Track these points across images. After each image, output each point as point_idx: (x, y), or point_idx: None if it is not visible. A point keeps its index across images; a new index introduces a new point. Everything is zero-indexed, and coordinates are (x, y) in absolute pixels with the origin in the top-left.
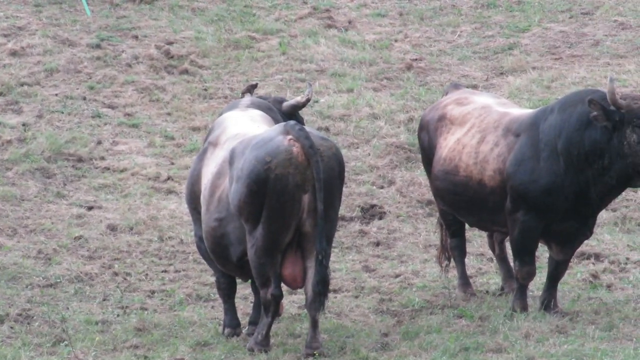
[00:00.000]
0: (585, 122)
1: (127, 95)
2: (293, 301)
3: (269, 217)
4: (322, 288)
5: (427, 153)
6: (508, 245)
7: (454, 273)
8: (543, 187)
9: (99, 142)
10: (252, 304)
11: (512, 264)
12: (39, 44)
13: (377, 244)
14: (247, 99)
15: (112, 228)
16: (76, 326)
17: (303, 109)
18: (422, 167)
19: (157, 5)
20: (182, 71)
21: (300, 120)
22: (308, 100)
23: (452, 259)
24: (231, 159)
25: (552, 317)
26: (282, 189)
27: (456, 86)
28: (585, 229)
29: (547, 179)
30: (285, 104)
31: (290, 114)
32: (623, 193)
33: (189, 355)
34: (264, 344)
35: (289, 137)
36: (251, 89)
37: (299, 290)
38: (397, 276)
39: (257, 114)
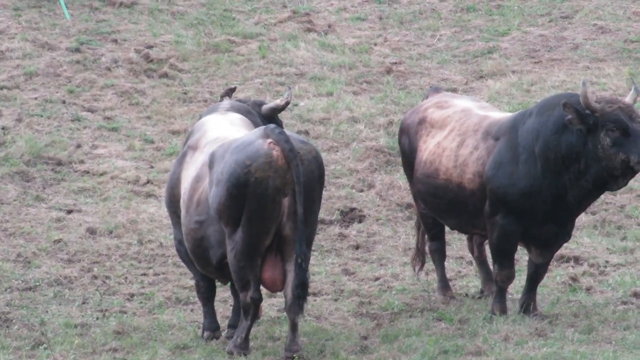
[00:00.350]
0: (562, 126)
1: (106, 99)
2: (272, 304)
3: (248, 220)
4: (302, 291)
5: (408, 156)
6: (487, 248)
7: (433, 276)
8: (521, 191)
9: (79, 146)
10: (231, 307)
11: (491, 267)
12: (18, 48)
13: (357, 247)
14: (227, 102)
15: (92, 231)
16: (55, 329)
17: (283, 113)
18: (402, 171)
19: (136, 9)
20: (162, 75)
21: (279, 124)
22: (287, 103)
23: (427, 262)
24: (211, 163)
25: (532, 320)
26: (262, 192)
27: (436, 90)
28: (564, 232)
29: (525, 183)
30: (264, 107)
31: (270, 117)
32: (602, 196)
33: (168, 358)
34: (244, 347)
35: (269, 140)
36: (230, 92)
37: (278, 293)
38: (376, 279)
39: (237, 117)
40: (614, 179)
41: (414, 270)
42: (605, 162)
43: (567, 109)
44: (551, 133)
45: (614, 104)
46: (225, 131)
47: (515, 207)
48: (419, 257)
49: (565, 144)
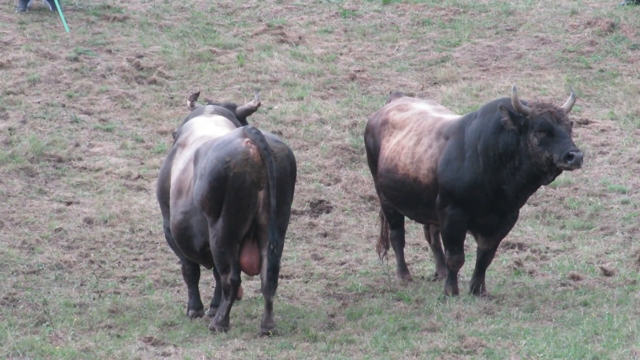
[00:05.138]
0: (501, 127)
1: (101, 103)
2: (250, 286)
3: (228, 210)
4: (273, 274)
5: (372, 154)
6: None
7: (393, 261)
8: (466, 185)
9: (77, 145)
10: (213, 289)
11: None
12: (23, 57)
13: (325, 235)
14: (211, 106)
15: (89, 221)
16: (56, 308)
17: (259, 115)
18: (365, 167)
19: (128, 22)
20: (151, 81)
21: (246, 124)
22: (259, 105)
23: (390, 249)
24: (195, 159)
25: (481, 300)
26: (239, 185)
27: (398, 94)
28: (505, 222)
29: (470, 177)
30: (239, 109)
31: (244, 118)
32: (543, 189)
33: (157, 334)
34: (224, 324)
35: (247, 139)
36: (195, 96)
37: (255, 276)
38: (342, 264)
39: (221, 119)
40: (544, 175)
41: (379, 255)
42: (534, 159)
43: (502, 111)
44: (491, 133)
45: (544, 108)
46: (210, 131)
47: (462, 199)
48: (384, 243)
49: (503, 143)
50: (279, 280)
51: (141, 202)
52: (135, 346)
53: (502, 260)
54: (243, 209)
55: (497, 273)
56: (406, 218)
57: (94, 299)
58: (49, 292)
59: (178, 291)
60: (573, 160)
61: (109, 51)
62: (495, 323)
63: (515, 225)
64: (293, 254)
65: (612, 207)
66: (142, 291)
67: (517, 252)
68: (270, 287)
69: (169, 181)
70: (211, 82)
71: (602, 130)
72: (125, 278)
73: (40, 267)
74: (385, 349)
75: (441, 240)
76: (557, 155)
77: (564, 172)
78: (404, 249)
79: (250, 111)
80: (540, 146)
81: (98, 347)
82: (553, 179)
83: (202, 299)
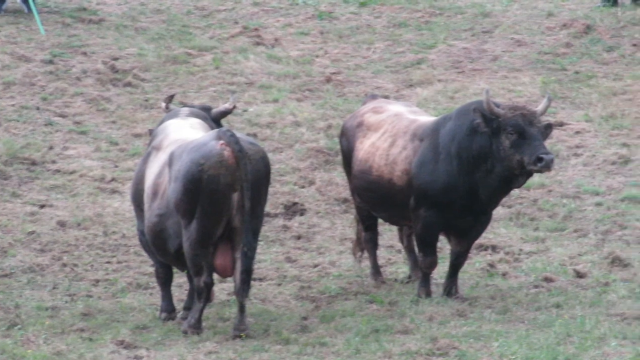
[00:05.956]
0: (474, 129)
1: (76, 106)
2: (223, 288)
3: (202, 213)
4: (246, 277)
5: (347, 156)
6: None
7: (366, 263)
8: (440, 187)
9: (51, 148)
10: (186, 291)
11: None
12: None
13: (299, 237)
14: (186, 108)
15: (62, 224)
16: (28, 312)
17: (234, 117)
18: (340, 169)
19: (104, 25)
20: (126, 84)
21: (221, 126)
22: (234, 107)
23: (365, 251)
24: (170, 161)
25: (453, 302)
26: (214, 188)
27: (373, 96)
28: (478, 224)
29: (444, 179)
30: (214, 111)
31: (219, 120)
32: (517, 191)
33: (130, 337)
34: (197, 327)
35: (221, 142)
36: (170, 98)
37: (228, 278)
38: (315, 266)
39: (196, 121)
40: (515, 178)
41: (355, 257)
42: (506, 162)
43: (475, 113)
44: (465, 135)
45: (516, 110)
46: (185, 133)
47: (436, 202)
48: (359, 245)
49: (476, 146)
50: (252, 282)
51: (115, 205)
52: (108, 349)
53: (475, 262)
54: (217, 212)
55: (470, 275)
56: (380, 220)
57: (66, 302)
58: (21, 296)
59: (151, 294)
60: (543, 163)
61: (84, 53)
62: (468, 325)
63: (489, 227)
64: (266, 257)
65: (585, 209)
66: (114, 294)
67: (490, 254)
68: (243, 289)
69: (143, 184)
70: (186, 85)
71: (577, 132)
72: (98, 281)
73: (13, 271)
74: (357, 351)
75: (414, 243)
76: (527, 157)
77: (537, 174)
78: (377, 251)
79: (225, 113)
80: (512, 148)
81: (70, 351)
82: (525, 182)
83: (174, 301)
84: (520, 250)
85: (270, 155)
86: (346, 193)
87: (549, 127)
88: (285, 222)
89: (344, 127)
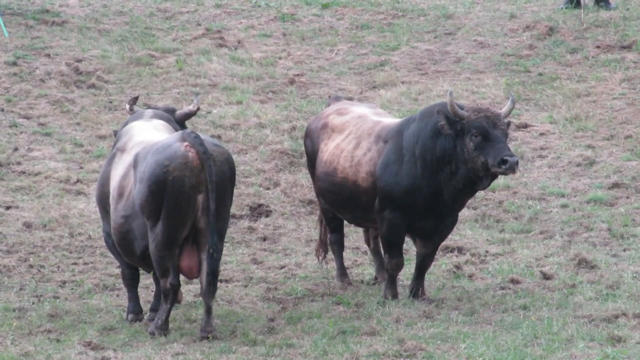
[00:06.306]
0: (438, 131)
1: (40, 107)
2: (189, 290)
3: (167, 214)
4: (212, 278)
5: (311, 158)
6: None
7: (332, 265)
8: (404, 188)
9: (16, 149)
10: (153, 293)
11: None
12: None
13: (264, 239)
14: (150, 110)
15: (28, 225)
16: None
17: (198, 119)
18: (304, 171)
19: (67, 27)
20: (90, 86)
21: (185, 128)
22: (198, 109)
23: (329, 252)
24: (135, 163)
25: (420, 303)
26: (179, 189)
27: (337, 98)
28: (444, 226)
29: (408, 181)
30: (178, 113)
31: (183, 122)
32: (482, 192)
33: (97, 338)
34: (164, 328)
35: (186, 143)
36: (134, 100)
37: (194, 280)
38: (282, 267)
39: (160, 123)
40: (480, 179)
41: (318, 259)
42: (470, 164)
43: (439, 115)
44: (428, 137)
45: (480, 112)
46: (149, 135)
47: (400, 203)
48: (323, 247)
49: (440, 147)
50: (219, 284)
51: (80, 207)
52: (75, 350)
53: (441, 264)
54: (182, 213)
55: (436, 277)
56: (345, 222)
57: (33, 303)
58: None
59: (117, 295)
60: (507, 165)
61: (48, 55)
62: (434, 327)
63: (455, 228)
64: (232, 258)
65: (551, 211)
66: (81, 295)
67: (456, 255)
68: (209, 291)
69: (108, 186)
70: (150, 86)
71: (541, 134)
72: (64, 282)
73: None
74: (324, 352)
75: (380, 244)
76: (491, 160)
77: (502, 176)
78: (344, 253)
79: (189, 115)
80: (476, 151)
81: (37, 352)
82: (489, 184)
83: (141, 303)
84: (487, 252)
85: (234, 157)
86: (311, 195)
87: (507, 125)
88: (250, 223)
89: (308, 129)
